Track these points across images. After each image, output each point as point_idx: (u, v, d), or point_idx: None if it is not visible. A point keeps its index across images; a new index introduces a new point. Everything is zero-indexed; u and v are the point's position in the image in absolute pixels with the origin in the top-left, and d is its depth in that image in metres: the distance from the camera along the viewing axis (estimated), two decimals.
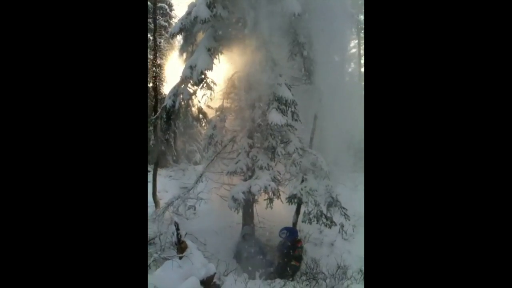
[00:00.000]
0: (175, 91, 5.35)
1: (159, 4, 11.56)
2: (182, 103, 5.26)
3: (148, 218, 6.32)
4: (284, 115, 4.75)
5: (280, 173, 5.22)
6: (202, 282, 3.62)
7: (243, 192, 4.87)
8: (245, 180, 5.20)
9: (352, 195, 6.08)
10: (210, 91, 5.29)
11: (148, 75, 11.34)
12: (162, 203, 6.74)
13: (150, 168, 10.00)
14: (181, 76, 5.20)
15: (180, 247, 3.76)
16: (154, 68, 6.90)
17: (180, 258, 3.68)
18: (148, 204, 6.69)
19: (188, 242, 3.91)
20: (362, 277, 4.68)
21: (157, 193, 6.82)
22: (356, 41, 16.27)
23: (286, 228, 5.32)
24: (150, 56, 11.13)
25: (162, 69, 12.12)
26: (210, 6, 4.69)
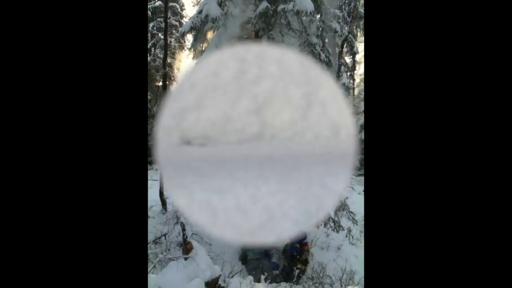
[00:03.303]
0: None
1: (170, 4, 11.61)
2: None
3: (155, 217, 6.34)
4: None
5: None
6: (207, 284, 3.58)
7: None
8: None
9: (361, 199, 5.98)
10: None
11: (158, 73, 11.44)
12: (169, 202, 6.73)
13: (158, 166, 10.08)
14: None
15: (186, 247, 3.73)
16: (164, 67, 6.88)
17: (186, 259, 3.64)
18: (155, 203, 6.74)
19: (194, 243, 3.87)
20: None
21: (164, 192, 6.80)
22: None
23: None
24: (160, 55, 11.21)
25: (172, 68, 12.19)
26: (221, 4, 4.65)
